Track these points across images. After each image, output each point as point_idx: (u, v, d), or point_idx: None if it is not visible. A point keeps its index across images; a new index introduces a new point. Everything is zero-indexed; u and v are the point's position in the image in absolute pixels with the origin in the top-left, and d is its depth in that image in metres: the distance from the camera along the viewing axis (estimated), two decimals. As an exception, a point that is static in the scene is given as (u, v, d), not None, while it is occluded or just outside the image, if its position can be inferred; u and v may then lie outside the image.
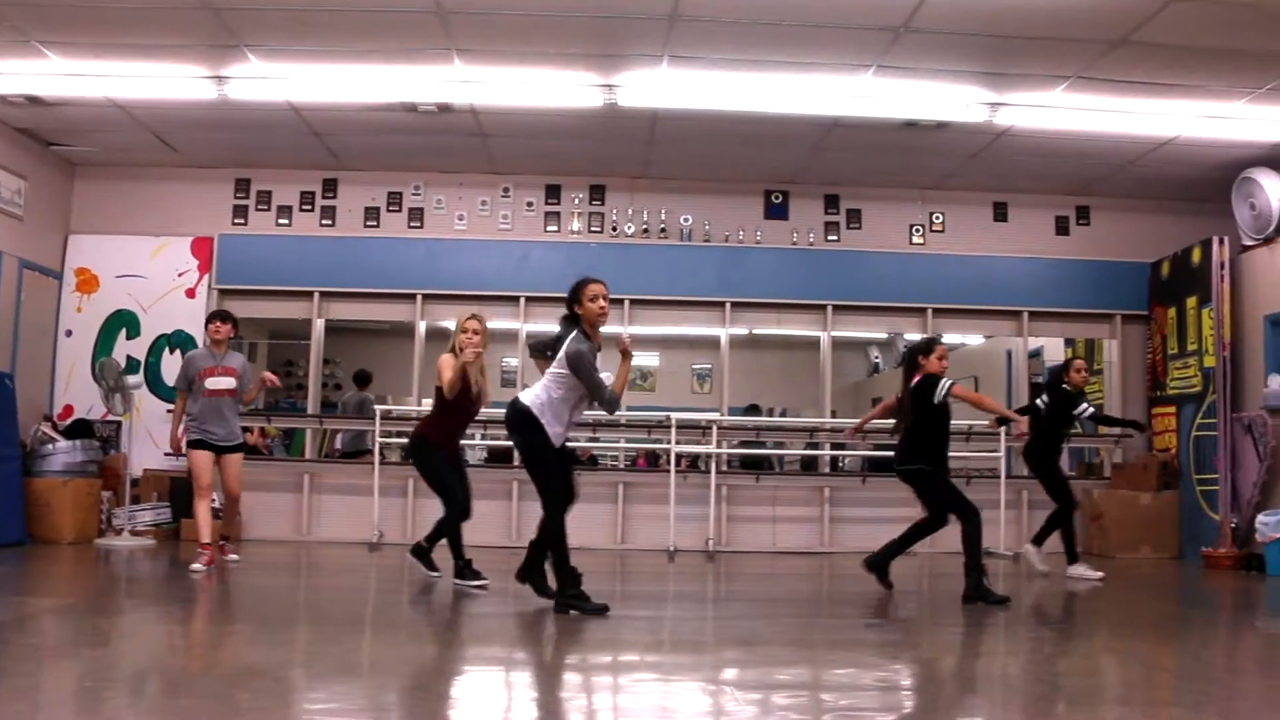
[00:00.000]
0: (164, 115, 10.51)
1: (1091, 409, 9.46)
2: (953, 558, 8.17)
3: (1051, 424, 9.39)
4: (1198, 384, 11.29)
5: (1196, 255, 11.36)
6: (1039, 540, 9.46)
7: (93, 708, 4.16)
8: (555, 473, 6.73)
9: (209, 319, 9.36)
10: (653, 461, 13.38)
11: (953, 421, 8.13)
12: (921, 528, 8.15)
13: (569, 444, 7.10)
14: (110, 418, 11.23)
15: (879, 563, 8.19)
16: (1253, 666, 5.94)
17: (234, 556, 9.15)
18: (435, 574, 8.19)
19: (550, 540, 6.69)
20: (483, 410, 8.37)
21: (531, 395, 6.70)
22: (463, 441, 8.61)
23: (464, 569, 7.90)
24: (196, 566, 8.42)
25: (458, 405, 7.98)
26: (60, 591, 7.81)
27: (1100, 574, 9.12)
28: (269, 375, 9.18)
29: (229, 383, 8.97)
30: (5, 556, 9.27)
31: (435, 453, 8.04)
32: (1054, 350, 13.85)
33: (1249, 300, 10.97)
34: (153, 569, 9.02)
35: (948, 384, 7.89)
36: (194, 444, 8.92)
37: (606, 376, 6.66)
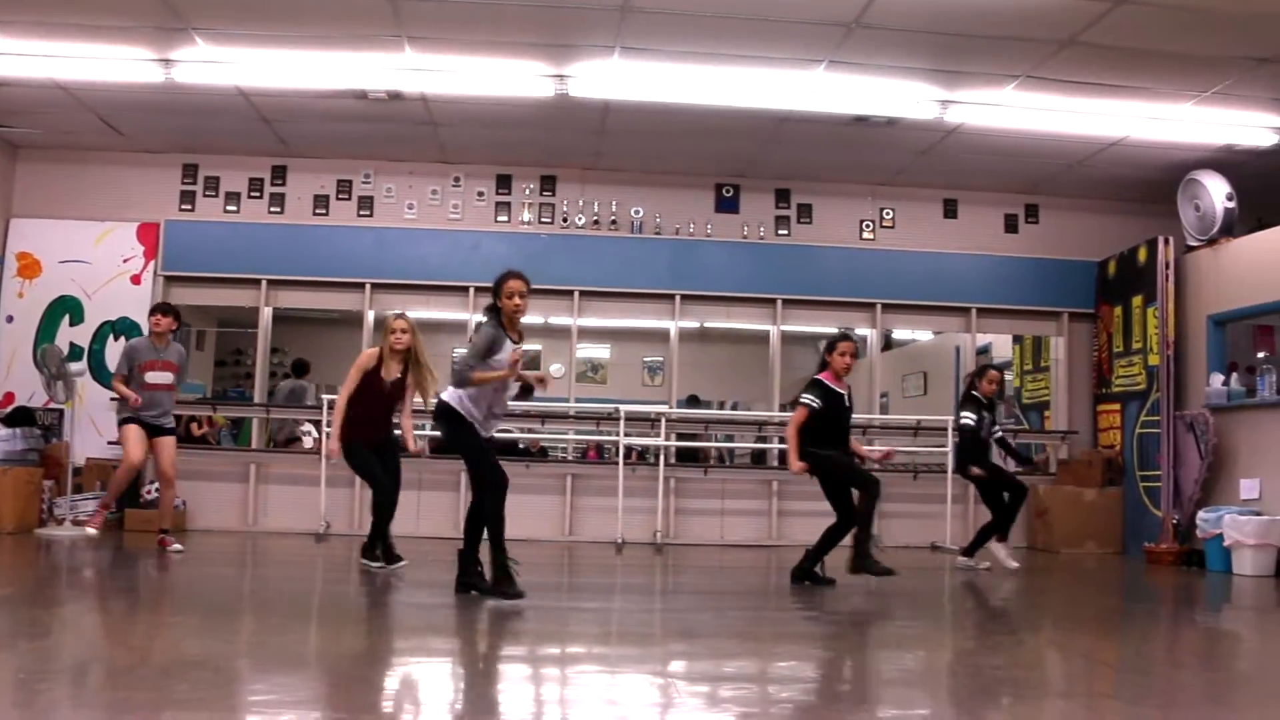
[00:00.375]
0: (109, 98, 10.35)
1: (971, 420, 9.44)
2: (905, 552, 8.23)
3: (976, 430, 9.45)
4: (1142, 382, 11.42)
5: (1142, 255, 11.49)
6: (1003, 537, 9.47)
7: (27, 700, 4.08)
8: (484, 460, 6.76)
9: (151, 311, 9.38)
10: (602, 454, 13.36)
11: (901, 417, 8.15)
12: (834, 531, 8.07)
13: (498, 434, 7.13)
14: (52, 405, 11.06)
15: (802, 574, 8.10)
16: (1192, 660, 6.01)
17: (177, 547, 9.03)
18: (401, 562, 8.20)
19: (490, 523, 6.72)
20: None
21: (450, 388, 6.78)
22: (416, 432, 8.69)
23: (370, 549, 8.14)
24: (92, 531, 9.33)
25: (364, 396, 8.05)
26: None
27: (987, 564, 9.18)
28: None
29: (168, 378, 9.12)
30: (-58, 545, 9.13)
31: (350, 445, 8.09)
32: (1002, 346, 14.00)
33: (1193, 300, 11.10)
34: (94, 559, 8.88)
35: (804, 399, 7.86)
36: (126, 421, 9.05)
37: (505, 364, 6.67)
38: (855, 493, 7.88)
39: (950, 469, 11.16)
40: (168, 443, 9.16)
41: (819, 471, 7.95)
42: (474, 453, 6.81)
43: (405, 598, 7.27)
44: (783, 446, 12.15)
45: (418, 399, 8.24)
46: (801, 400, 7.87)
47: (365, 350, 8.47)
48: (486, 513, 6.73)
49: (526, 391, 7.02)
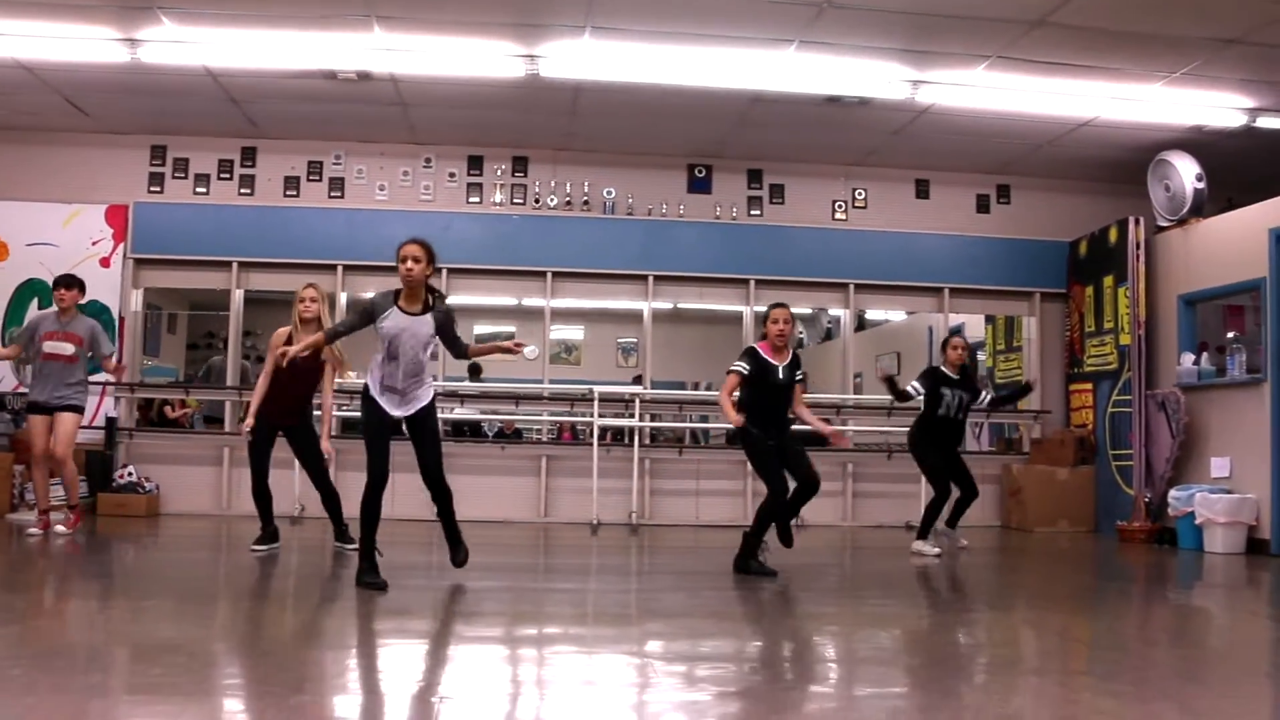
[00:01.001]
0: (75, 78, 10.22)
1: (914, 389, 9.31)
2: (878, 532, 8.25)
3: (928, 407, 9.29)
4: (1114, 361, 11.49)
5: (1113, 235, 11.55)
6: (951, 523, 9.47)
7: (1, 685, 4.06)
8: (370, 444, 6.55)
9: (53, 285, 9.22)
10: (577, 435, 13.35)
11: (874, 397, 8.10)
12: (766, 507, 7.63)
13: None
14: (21, 390, 10.95)
15: (743, 560, 7.64)
16: (1164, 637, 6.07)
17: (60, 528, 8.90)
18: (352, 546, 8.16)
19: (361, 509, 6.55)
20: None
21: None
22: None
23: (264, 535, 8.27)
24: (60, 529, 8.93)
25: (277, 375, 7.93)
26: (-33, 567, 7.62)
27: (938, 551, 9.11)
28: (113, 366, 9.32)
29: (68, 349, 8.91)
30: (-89, 532, 9.06)
31: (255, 428, 8.06)
32: (975, 326, 14.03)
33: (1163, 280, 11.18)
34: (66, 545, 8.82)
35: (734, 366, 7.62)
36: (28, 409, 9.10)
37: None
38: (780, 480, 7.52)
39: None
40: (63, 419, 8.86)
41: (745, 446, 7.75)
42: (368, 433, 6.61)
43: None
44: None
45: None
46: (731, 368, 7.64)
47: (277, 330, 8.18)
48: (365, 493, 6.53)
49: (474, 371, 6.89)
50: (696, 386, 16.06)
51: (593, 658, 4.97)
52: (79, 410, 9.06)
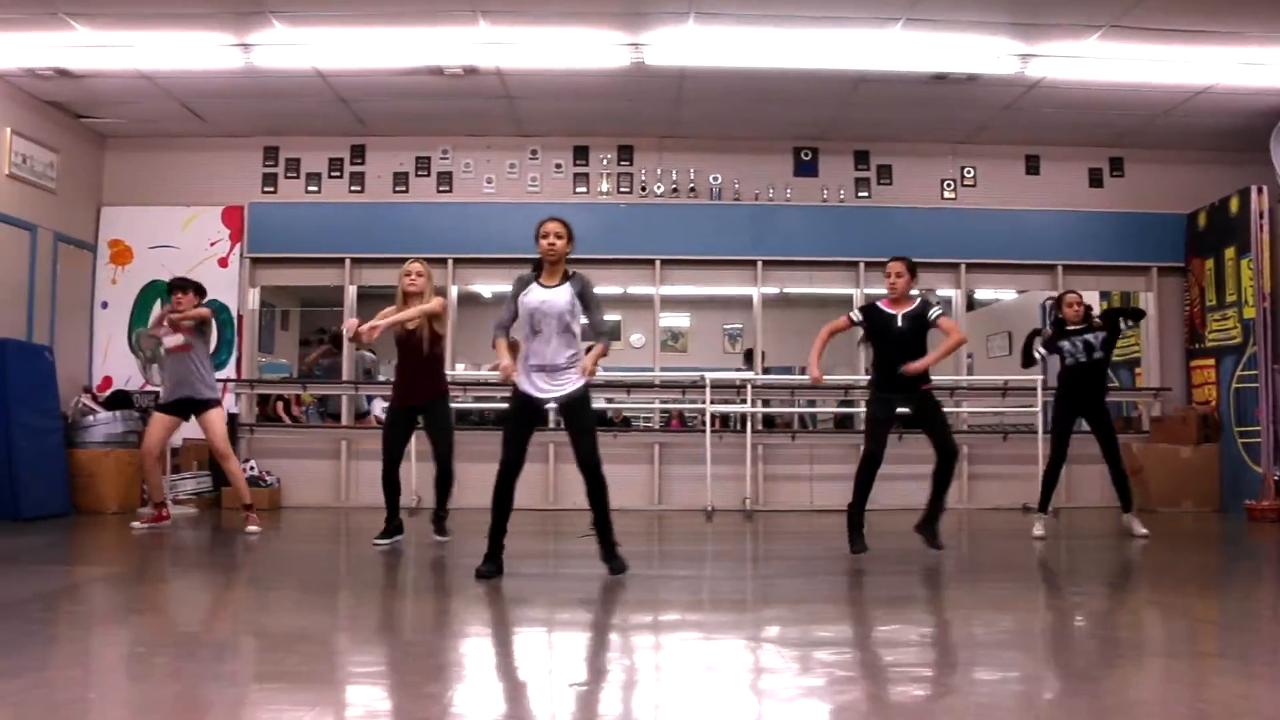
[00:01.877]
0: (191, 85, 10.51)
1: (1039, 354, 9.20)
2: (994, 514, 8.14)
3: (1060, 364, 9.10)
4: (1237, 336, 11.17)
5: (1234, 205, 11.22)
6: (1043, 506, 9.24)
7: (145, 673, 4.20)
8: (505, 429, 6.67)
9: (169, 287, 9.36)
10: (685, 422, 13.37)
11: (988, 377, 7.99)
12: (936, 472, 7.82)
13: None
14: (149, 388, 11.29)
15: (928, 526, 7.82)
16: (1299, 617, 5.90)
17: (252, 529, 8.97)
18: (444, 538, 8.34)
19: (492, 496, 6.66)
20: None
21: None
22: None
23: (387, 528, 8.27)
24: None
25: (399, 359, 8.17)
26: (106, 560, 7.87)
27: (1145, 533, 8.91)
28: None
29: (178, 338, 9.00)
30: (51, 527, 9.40)
31: (387, 414, 8.25)
32: (1090, 303, 13.70)
33: (1289, 249, 10.83)
34: (195, 537, 9.09)
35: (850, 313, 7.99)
36: (155, 408, 9.33)
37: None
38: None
39: (1040, 429, 11.00)
40: (210, 417, 9.02)
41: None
42: (506, 420, 6.84)
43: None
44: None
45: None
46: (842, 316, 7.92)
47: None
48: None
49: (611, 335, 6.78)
50: (802, 371, 15.95)
51: (711, 643, 4.98)
52: (216, 404, 9.21)
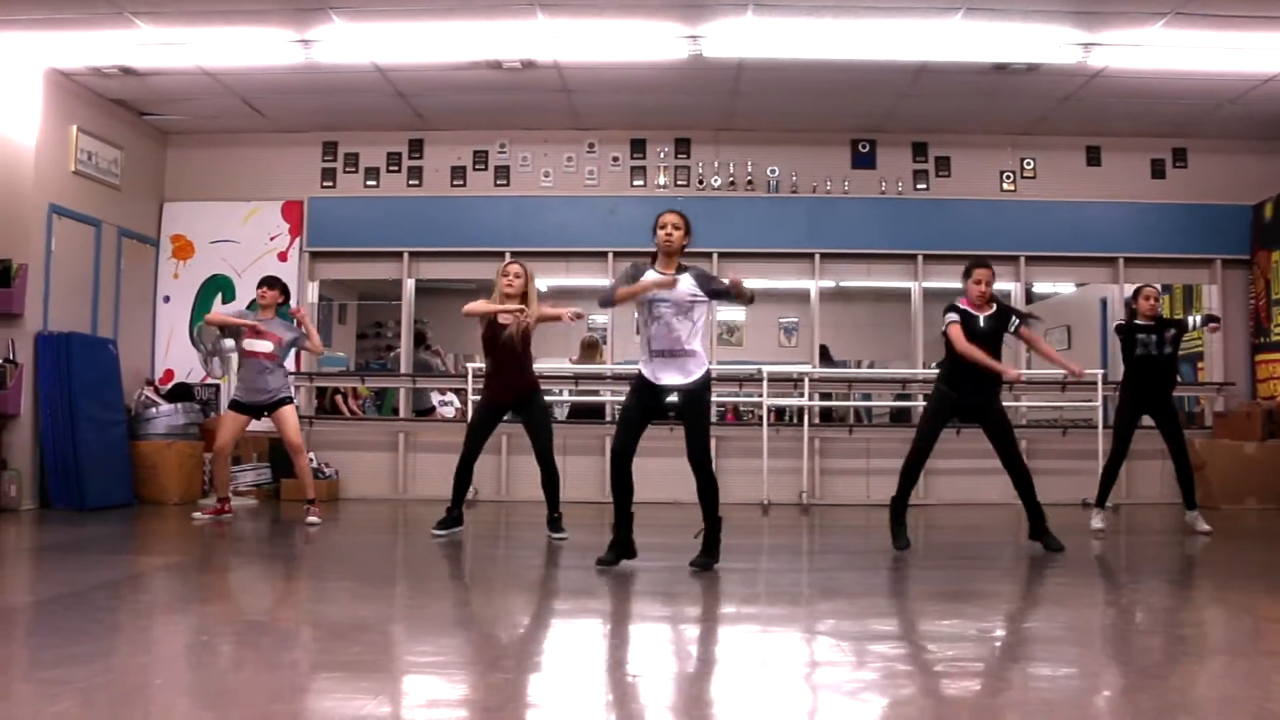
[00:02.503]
0: (252, 81, 10.62)
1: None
2: (1054, 510, 8.07)
3: (1125, 354, 8.97)
4: (1303, 328, 10.99)
5: (1302, 195, 11.03)
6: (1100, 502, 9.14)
7: (210, 661, 4.27)
8: (620, 417, 6.86)
9: (259, 284, 9.46)
10: (740, 415, 13.33)
11: (1047, 371, 7.89)
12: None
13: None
14: (209, 381, 11.47)
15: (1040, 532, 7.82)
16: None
17: (313, 519, 9.02)
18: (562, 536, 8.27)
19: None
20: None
21: None
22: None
23: (447, 518, 8.28)
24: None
25: (493, 357, 8.25)
26: (169, 550, 7.99)
27: (1207, 529, 8.79)
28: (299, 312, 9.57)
29: (266, 347, 9.10)
30: (115, 517, 9.56)
31: (477, 408, 8.44)
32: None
33: (1358, 241, 10.62)
34: (255, 528, 9.21)
35: (949, 318, 7.73)
36: (230, 404, 9.42)
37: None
38: None
39: (1100, 424, 10.88)
40: (284, 413, 9.13)
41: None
42: (623, 412, 6.98)
43: (557, 562, 7.36)
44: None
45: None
46: (947, 320, 7.68)
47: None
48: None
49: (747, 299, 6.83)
50: (859, 365, 15.90)
51: (768, 635, 4.98)
52: (290, 400, 9.32)
